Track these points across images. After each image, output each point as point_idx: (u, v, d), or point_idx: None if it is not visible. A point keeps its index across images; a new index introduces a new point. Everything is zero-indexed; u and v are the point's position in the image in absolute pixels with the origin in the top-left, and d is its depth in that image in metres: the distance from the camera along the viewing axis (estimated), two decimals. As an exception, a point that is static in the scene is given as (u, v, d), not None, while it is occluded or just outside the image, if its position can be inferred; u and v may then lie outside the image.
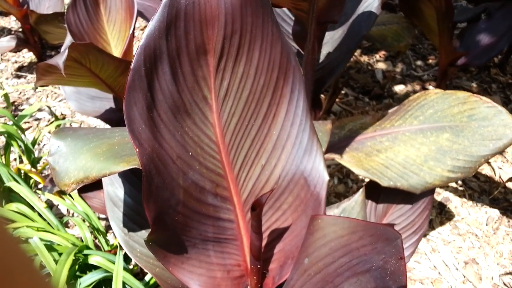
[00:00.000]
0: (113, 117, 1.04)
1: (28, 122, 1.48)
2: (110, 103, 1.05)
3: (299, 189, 0.48)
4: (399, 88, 1.65)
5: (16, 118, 1.44)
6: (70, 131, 0.46)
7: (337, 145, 0.82)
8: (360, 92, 1.63)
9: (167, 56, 0.34)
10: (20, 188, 0.93)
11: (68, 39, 1.04)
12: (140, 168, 0.39)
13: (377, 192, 0.82)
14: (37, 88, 1.61)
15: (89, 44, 0.70)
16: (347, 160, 0.78)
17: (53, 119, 1.47)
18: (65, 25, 1.09)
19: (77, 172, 0.41)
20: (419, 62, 1.81)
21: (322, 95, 1.47)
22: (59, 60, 0.64)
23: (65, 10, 2.00)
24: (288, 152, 0.47)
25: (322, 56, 0.74)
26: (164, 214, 0.38)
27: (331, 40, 0.75)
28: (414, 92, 1.63)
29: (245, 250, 0.49)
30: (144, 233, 0.52)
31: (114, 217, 0.52)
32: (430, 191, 0.82)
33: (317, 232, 0.38)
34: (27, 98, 1.58)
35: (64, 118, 1.49)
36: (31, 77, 1.67)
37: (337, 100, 1.60)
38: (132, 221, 0.52)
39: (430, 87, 1.64)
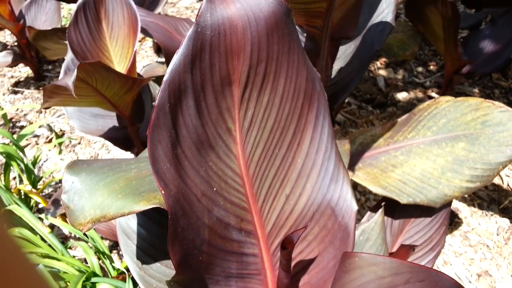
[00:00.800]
0: (117, 135, 1.01)
1: (27, 139, 1.45)
2: (113, 121, 1.02)
3: (326, 219, 0.45)
4: (402, 96, 1.64)
5: (15, 137, 1.41)
6: (84, 164, 0.43)
7: (350, 161, 0.80)
8: (363, 101, 1.61)
9: (192, 90, 0.32)
10: (22, 212, 0.89)
11: (69, 56, 1.02)
12: (161, 207, 0.37)
13: (393, 208, 0.80)
14: (42, 109, 1.58)
15: (97, 63, 0.67)
16: (362, 177, 0.76)
17: (52, 135, 1.44)
18: (65, 42, 1.07)
19: (93, 210, 0.38)
20: (420, 69, 1.80)
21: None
22: (68, 81, 0.62)
23: (64, 25, 1.97)
24: (314, 181, 0.44)
25: (334, 72, 0.72)
26: (189, 255, 0.36)
27: (343, 55, 0.73)
28: (418, 99, 1.62)
29: (268, 285, 0.47)
30: (159, 266, 0.50)
31: (128, 250, 0.49)
32: (447, 204, 0.81)
33: (353, 271, 0.36)
34: (25, 114, 1.55)
35: (63, 135, 1.46)
36: (28, 92, 1.64)
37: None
38: (147, 254, 0.49)
39: (434, 94, 1.63)
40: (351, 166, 0.79)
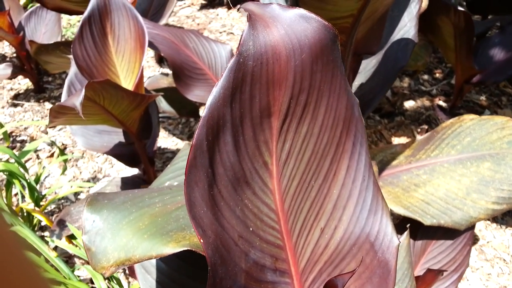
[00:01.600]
0: (123, 152, 0.98)
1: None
2: (119, 137, 0.99)
3: (364, 254, 0.42)
4: (409, 105, 1.62)
5: (16, 153, 1.37)
6: (104, 200, 0.40)
7: (370, 179, 0.76)
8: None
9: (230, 125, 0.29)
10: (27, 233, 0.86)
11: (72, 71, 0.99)
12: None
13: (415, 228, 0.77)
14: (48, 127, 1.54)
15: (105, 81, 0.64)
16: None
17: (54, 149, 1.41)
18: (68, 56, 1.04)
19: (117, 252, 0.35)
20: (426, 77, 1.77)
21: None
22: (76, 101, 0.59)
23: (65, 36, 1.93)
24: (350, 212, 0.41)
25: (354, 87, 0.70)
26: (225, 304, 0.33)
27: (364, 70, 0.70)
28: (425, 108, 1.59)
29: (302, 324, 0.43)
30: (181, 302, 0.46)
31: (147, 286, 0.46)
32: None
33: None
34: (25, 128, 1.51)
35: (65, 148, 1.43)
36: (28, 105, 1.60)
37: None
38: (167, 290, 0.46)
39: (441, 103, 1.60)
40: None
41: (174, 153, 1.41)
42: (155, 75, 1.44)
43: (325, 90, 0.33)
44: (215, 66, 1.07)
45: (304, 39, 0.29)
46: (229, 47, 1.09)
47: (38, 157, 1.41)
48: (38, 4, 1.54)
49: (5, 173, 1.03)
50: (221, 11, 2.28)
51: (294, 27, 0.29)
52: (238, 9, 0.30)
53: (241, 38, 0.28)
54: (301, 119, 0.33)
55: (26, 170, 1.03)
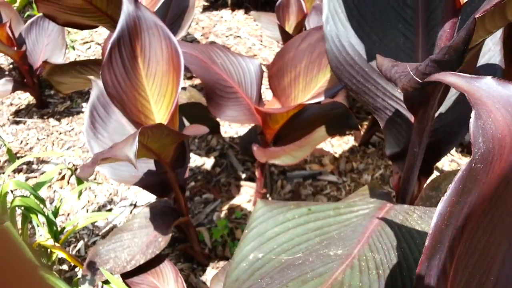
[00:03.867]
0: (153, 181, 0.90)
1: (36, 177, 1.32)
2: (149, 166, 0.90)
3: None
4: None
5: (23, 177, 1.27)
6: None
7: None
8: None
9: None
10: (54, 280, 0.77)
11: (94, 94, 0.90)
12: None
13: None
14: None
15: (157, 126, 0.56)
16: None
17: (65, 171, 1.31)
18: (88, 76, 0.95)
19: None
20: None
21: (359, 126, 1.36)
22: (129, 152, 0.51)
23: (68, 49, 1.80)
24: None
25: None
26: None
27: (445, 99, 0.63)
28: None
29: None
30: None
31: None
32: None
33: None
34: (31, 148, 1.41)
35: (76, 170, 1.33)
36: (32, 122, 1.50)
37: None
38: None
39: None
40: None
41: (192, 170, 1.33)
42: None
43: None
44: (245, 83, 0.99)
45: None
46: (257, 61, 1.01)
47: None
48: (40, 14, 1.44)
49: (21, 208, 0.94)
50: (225, 13, 2.19)
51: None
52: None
53: (471, 135, 0.21)
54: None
55: (44, 203, 0.94)
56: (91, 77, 0.87)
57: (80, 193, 1.12)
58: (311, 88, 0.90)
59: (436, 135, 0.61)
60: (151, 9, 1.01)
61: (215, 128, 1.25)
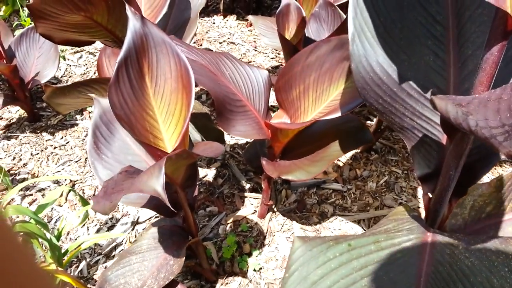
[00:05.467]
0: (162, 202, 0.86)
1: (31, 195, 1.27)
2: (157, 186, 0.87)
3: None
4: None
5: (20, 194, 1.22)
6: None
7: (465, 229, 0.68)
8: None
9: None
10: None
11: (97, 113, 0.87)
12: None
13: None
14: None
15: (182, 152, 0.53)
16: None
17: (62, 188, 1.26)
18: (90, 95, 0.91)
19: None
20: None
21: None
22: (157, 185, 0.48)
23: (60, 58, 1.74)
24: None
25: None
26: None
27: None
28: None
29: None
30: None
31: None
32: None
33: None
34: (24, 164, 1.36)
35: (73, 185, 1.29)
36: (24, 136, 1.44)
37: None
38: None
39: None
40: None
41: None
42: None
43: None
44: (253, 96, 0.97)
45: None
46: (266, 72, 0.98)
47: (43, 196, 1.27)
48: (30, 25, 1.39)
49: (21, 233, 0.89)
50: (217, 18, 2.16)
51: None
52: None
53: None
54: None
55: (47, 229, 0.90)
56: (93, 95, 0.84)
57: (85, 217, 1.07)
58: (322, 101, 0.88)
59: (469, 156, 0.59)
60: (152, 21, 0.98)
61: (219, 138, 1.22)
